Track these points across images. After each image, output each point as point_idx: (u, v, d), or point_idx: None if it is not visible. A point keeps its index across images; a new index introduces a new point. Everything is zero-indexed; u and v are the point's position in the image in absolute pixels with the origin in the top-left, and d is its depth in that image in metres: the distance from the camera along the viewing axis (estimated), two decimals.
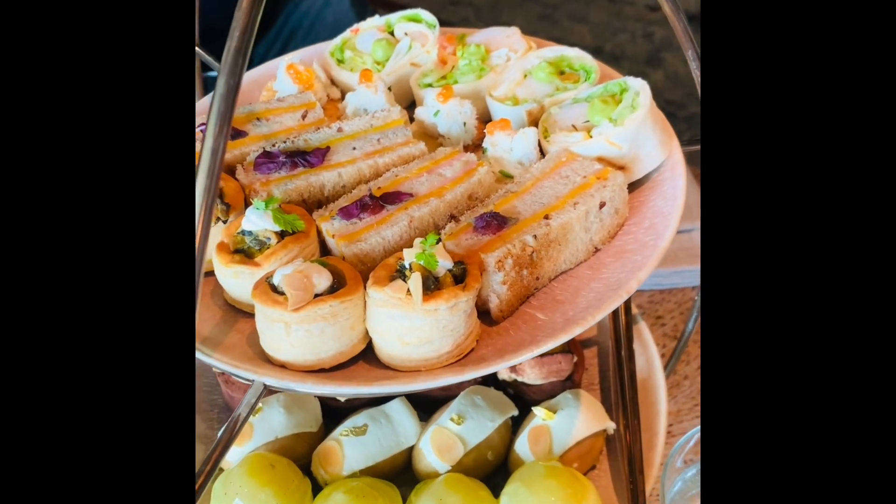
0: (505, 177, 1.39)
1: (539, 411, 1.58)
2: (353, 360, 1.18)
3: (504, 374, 1.65)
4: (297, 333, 1.11)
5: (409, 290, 1.10)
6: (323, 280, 1.13)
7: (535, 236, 1.21)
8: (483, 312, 1.22)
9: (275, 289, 1.13)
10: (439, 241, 1.16)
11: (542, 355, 1.52)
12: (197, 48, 1.73)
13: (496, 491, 1.49)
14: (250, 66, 1.64)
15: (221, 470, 1.54)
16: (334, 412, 1.64)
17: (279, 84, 1.60)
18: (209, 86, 1.95)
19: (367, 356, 1.19)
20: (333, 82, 1.66)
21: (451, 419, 1.55)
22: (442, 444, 1.53)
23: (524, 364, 1.61)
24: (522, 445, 1.55)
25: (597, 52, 1.55)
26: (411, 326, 1.11)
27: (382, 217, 1.26)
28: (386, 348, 1.15)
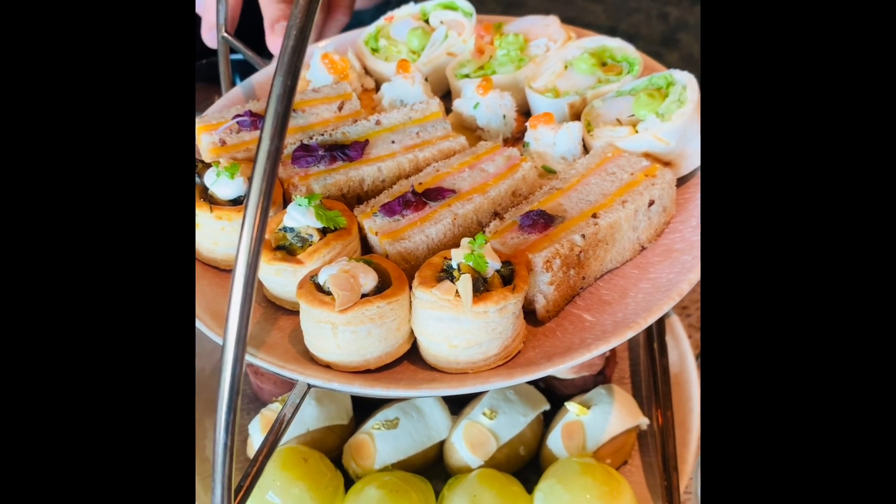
0: (548, 172, 1.36)
1: (572, 407, 1.56)
2: (398, 361, 1.16)
3: None
4: (344, 335, 1.09)
5: (457, 292, 1.08)
6: (369, 280, 1.11)
7: (583, 236, 1.18)
8: (528, 313, 1.20)
9: (320, 288, 1.11)
10: (487, 241, 1.13)
11: None
12: (225, 34, 1.69)
13: (527, 486, 1.48)
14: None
15: None
16: (364, 404, 1.63)
17: (313, 73, 1.56)
18: (234, 69, 1.91)
19: (411, 356, 1.17)
20: (367, 72, 1.62)
21: (484, 413, 1.54)
22: (474, 438, 1.52)
23: None
24: (555, 441, 1.54)
25: (611, 32, 1.52)
26: (459, 329, 1.09)
27: (426, 214, 1.23)
28: (432, 350, 1.13)
